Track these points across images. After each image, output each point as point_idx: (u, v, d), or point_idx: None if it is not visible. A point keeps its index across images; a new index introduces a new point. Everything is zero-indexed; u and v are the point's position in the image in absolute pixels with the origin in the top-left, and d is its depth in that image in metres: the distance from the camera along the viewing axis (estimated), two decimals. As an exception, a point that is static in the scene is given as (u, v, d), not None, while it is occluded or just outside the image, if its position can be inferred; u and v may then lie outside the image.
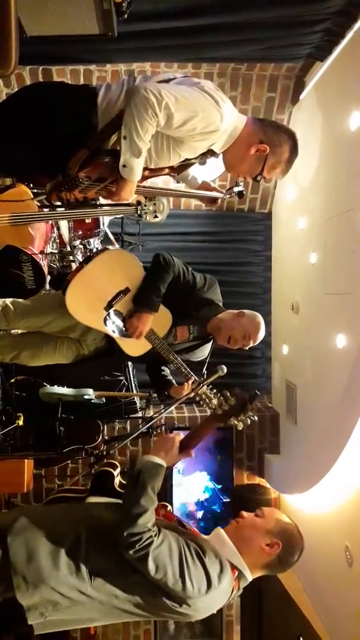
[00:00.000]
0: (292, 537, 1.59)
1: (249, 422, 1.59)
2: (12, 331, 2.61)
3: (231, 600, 1.52)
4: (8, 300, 2.44)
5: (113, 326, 2.29)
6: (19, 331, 2.58)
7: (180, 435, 1.59)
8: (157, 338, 2.30)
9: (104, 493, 1.74)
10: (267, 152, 1.88)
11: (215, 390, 2.38)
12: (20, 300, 2.46)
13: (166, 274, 2.25)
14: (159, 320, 2.31)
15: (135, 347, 2.34)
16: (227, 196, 2.34)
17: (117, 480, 2.99)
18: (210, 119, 1.72)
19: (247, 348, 2.42)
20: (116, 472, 3.16)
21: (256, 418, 1.62)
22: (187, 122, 1.69)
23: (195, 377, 2.35)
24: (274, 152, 1.89)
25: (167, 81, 1.76)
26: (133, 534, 1.35)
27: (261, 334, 2.39)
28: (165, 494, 4.10)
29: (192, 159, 1.96)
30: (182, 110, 1.66)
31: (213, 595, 1.41)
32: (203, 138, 1.80)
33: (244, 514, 1.63)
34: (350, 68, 3.12)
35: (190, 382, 2.34)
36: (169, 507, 1.64)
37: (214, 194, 2.30)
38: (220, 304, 2.49)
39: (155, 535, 1.37)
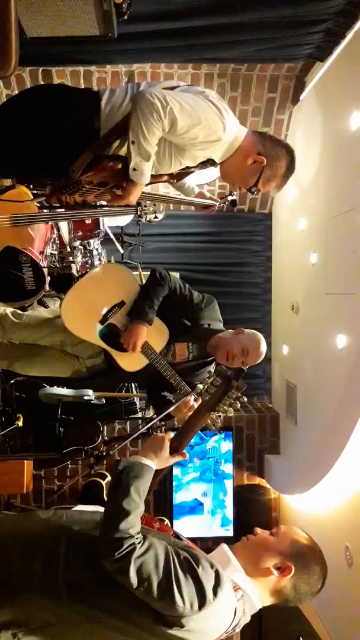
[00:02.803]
0: (308, 564, 1.36)
1: (238, 405, 1.45)
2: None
3: (235, 628, 1.29)
4: (9, 310, 2.43)
5: (108, 340, 2.28)
6: (16, 341, 2.56)
7: (171, 435, 1.45)
8: (154, 352, 2.27)
9: (93, 503, 1.59)
10: (264, 165, 1.87)
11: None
12: (19, 311, 2.46)
13: (161, 287, 2.24)
14: (156, 334, 2.29)
15: (131, 362, 2.32)
16: (221, 204, 2.35)
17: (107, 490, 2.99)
18: (213, 128, 1.73)
19: (246, 368, 2.36)
20: (105, 482, 3.17)
21: (245, 399, 1.50)
22: (190, 129, 1.69)
23: (195, 395, 2.29)
24: (270, 165, 1.88)
25: (172, 89, 1.77)
26: (112, 539, 1.17)
27: (262, 351, 2.32)
28: (165, 504, 4.10)
29: (192, 167, 1.96)
30: (186, 117, 1.67)
31: (209, 613, 1.18)
32: (205, 147, 1.80)
33: (258, 530, 1.44)
34: (351, 68, 3.12)
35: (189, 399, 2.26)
36: (167, 522, 1.48)
37: (209, 202, 2.31)
38: (221, 324, 2.46)
39: (138, 543, 1.18)
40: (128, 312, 2.27)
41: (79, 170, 1.78)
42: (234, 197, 2.32)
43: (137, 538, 1.19)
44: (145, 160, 1.71)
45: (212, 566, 1.24)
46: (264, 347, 2.32)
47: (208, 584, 1.19)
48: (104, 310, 2.26)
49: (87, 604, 1.22)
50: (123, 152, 1.80)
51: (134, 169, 1.73)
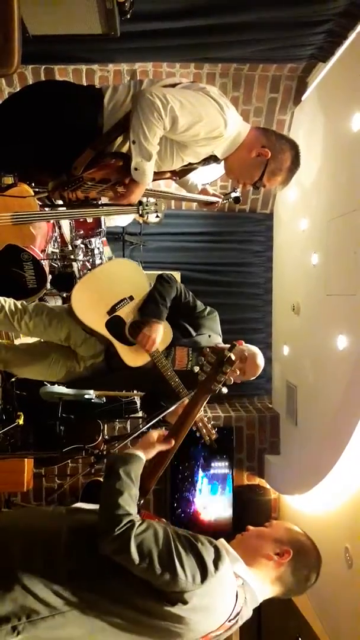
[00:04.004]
0: (304, 548, 1.42)
1: (232, 380, 1.48)
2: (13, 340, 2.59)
3: (237, 619, 1.29)
4: (19, 303, 2.45)
5: (113, 331, 2.33)
6: (17, 342, 2.57)
7: (158, 433, 1.48)
8: (156, 351, 2.31)
9: (93, 502, 1.61)
10: (269, 157, 1.87)
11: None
12: (25, 302, 2.48)
13: (171, 288, 2.33)
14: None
15: (134, 357, 2.36)
16: (224, 201, 2.35)
17: None
18: (214, 125, 1.72)
19: (240, 381, 2.31)
20: None
21: (238, 372, 1.50)
22: (191, 126, 1.69)
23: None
24: (275, 157, 1.88)
25: (173, 86, 1.76)
26: (110, 516, 1.19)
27: (258, 362, 2.33)
28: (166, 501, 4.11)
29: (194, 163, 1.96)
30: (187, 114, 1.66)
31: (212, 586, 1.19)
32: (207, 143, 1.80)
33: (250, 527, 1.49)
34: (353, 69, 3.12)
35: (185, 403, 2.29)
36: (165, 522, 1.52)
37: (212, 198, 2.32)
38: (220, 339, 2.50)
39: (137, 521, 1.21)
40: (140, 308, 2.34)
41: (81, 166, 1.78)
42: (237, 194, 2.31)
43: (134, 516, 1.21)
44: (146, 159, 1.71)
45: (211, 542, 1.26)
46: (261, 359, 2.35)
47: (209, 557, 1.21)
48: (113, 302, 2.33)
49: (87, 590, 1.23)
50: (125, 149, 1.80)
51: (136, 169, 1.74)
